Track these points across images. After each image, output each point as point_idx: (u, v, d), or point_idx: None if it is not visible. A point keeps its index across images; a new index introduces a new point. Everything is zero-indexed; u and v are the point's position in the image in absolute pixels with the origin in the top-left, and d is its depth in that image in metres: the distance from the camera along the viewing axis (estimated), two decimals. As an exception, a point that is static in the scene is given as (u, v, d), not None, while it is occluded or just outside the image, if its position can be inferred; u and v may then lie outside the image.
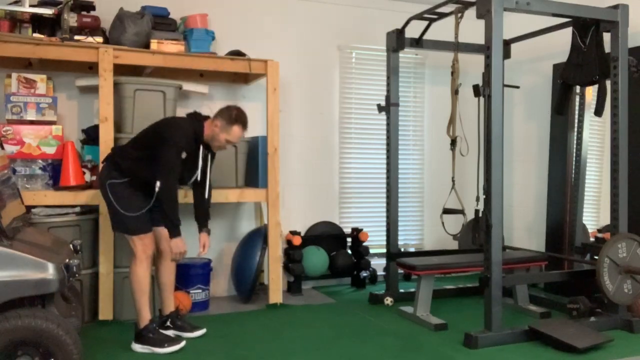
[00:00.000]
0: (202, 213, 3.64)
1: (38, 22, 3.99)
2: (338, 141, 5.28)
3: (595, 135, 4.77)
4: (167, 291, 3.67)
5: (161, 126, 3.45)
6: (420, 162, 5.65)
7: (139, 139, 3.51)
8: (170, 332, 3.56)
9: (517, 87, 4.98)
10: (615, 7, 3.82)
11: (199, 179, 3.56)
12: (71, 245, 3.11)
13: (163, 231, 3.46)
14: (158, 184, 3.28)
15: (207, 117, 3.55)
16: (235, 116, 3.45)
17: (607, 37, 3.90)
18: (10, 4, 3.93)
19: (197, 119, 3.52)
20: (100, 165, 3.64)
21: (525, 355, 3.33)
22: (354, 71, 5.33)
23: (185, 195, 4.14)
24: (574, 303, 3.94)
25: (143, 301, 3.42)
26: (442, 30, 4.58)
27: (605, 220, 4.26)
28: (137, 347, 3.37)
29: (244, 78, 4.77)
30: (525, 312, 4.22)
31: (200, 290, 4.25)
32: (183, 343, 3.37)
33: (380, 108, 4.63)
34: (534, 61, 5.27)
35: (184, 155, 3.37)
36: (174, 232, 3.33)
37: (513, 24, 4.47)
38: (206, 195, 3.62)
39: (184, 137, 3.37)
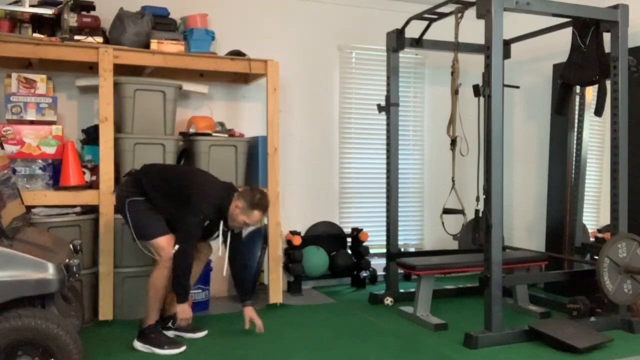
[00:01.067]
0: (241, 286, 3.65)
1: (38, 22, 3.99)
2: (338, 141, 5.28)
3: (595, 135, 4.78)
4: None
5: (192, 186, 3.42)
6: (420, 162, 5.65)
7: (170, 180, 3.50)
8: (171, 333, 3.57)
9: (517, 87, 4.98)
10: (615, 7, 3.81)
11: (227, 257, 3.57)
12: (71, 245, 3.11)
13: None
14: (176, 247, 3.31)
15: (236, 190, 3.54)
16: (257, 201, 3.43)
17: (607, 37, 3.90)
18: (10, 4, 3.93)
19: (228, 191, 3.49)
20: (123, 179, 3.63)
21: (525, 355, 3.33)
22: (354, 71, 5.33)
23: (185, 195, 4.14)
24: (574, 303, 3.94)
25: (156, 303, 3.44)
26: (442, 30, 4.58)
27: (605, 220, 4.26)
28: (138, 345, 3.38)
29: (244, 78, 4.77)
30: (525, 312, 4.22)
31: (200, 290, 4.25)
32: (183, 348, 3.36)
33: (380, 108, 4.63)
34: (534, 61, 5.27)
35: (206, 223, 3.41)
36: (182, 298, 3.35)
37: (513, 24, 4.47)
38: (245, 279, 3.63)
39: (210, 207, 3.38)
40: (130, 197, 3.43)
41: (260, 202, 3.45)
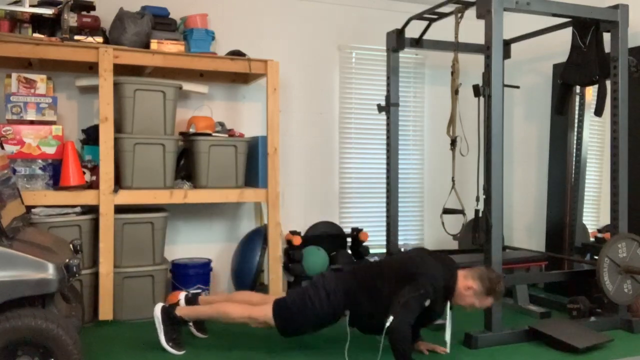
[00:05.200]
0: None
1: (38, 22, 3.98)
2: (338, 141, 5.28)
3: (595, 135, 4.78)
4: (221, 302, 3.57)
5: (417, 265, 3.15)
6: (420, 162, 5.65)
7: (386, 272, 3.20)
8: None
9: (517, 87, 4.98)
10: (615, 7, 3.82)
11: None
12: (71, 245, 3.11)
13: None
14: (390, 319, 2.96)
15: (458, 267, 3.24)
16: (495, 287, 3.15)
17: (607, 37, 3.91)
18: (10, 4, 3.93)
19: (451, 269, 3.19)
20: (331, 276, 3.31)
21: (525, 355, 3.33)
22: (354, 71, 5.33)
23: (185, 196, 4.15)
24: (574, 303, 3.94)
25: (204, 317, 3.44)
26: (442, 30, 4.58)
27: (605, 220, 4.26)
28: (157, 313, 3.32)
29: (244, 78, 4.77)
30: (525, 312, 4.22)
31: (200, 290, 4.24)
32: (182, 352, 3.33)
33: (380, 108, 4.63)
34: (534, 61, 5.26)
35: (427, 303, 3.06)
36: None
37: (513, 24, 4.47)
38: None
39: (435, 290, 3.07)
40: (324, 305, 3.16)
41: (499, 290, 3.17)
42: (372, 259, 3.54)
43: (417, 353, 3.32)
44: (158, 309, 3.35)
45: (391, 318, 2.96)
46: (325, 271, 3.33)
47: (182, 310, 3.41)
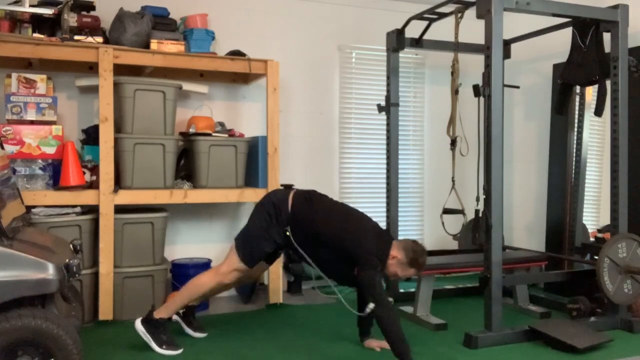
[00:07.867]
0: (365, 324, 3.47)
1: (38, 22, 3.98)
2: (338, 141, 5.28)
3: (595, 135, 4.78)
4: (207, 295, 3.68)
5: (352, 242, 3.20)
6: (420, 162, 5.65)
7: (326, 233, 3.26)
8: (177, 318, 3.58)
9: (517, 87, 4.98)
10: (615, 7, 3.82)
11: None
12: (71, 245, 3.11)
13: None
14: (371, 306, 3.05)
15: (392, 240, 3.34)
16: (419, 260, 3.24)
17: (607, 37, 3.91)
18: (10, 4, 3.93)
19: (386, 241, 3.28)
20: (280, 192, 3.50)
21: (525, 355, 3.33)
22: (354, 71, 5.33)
23: (185, 196, 4.15)
24: (574, 303, 3.94)
25: (183, 303, 3.45)
26: (442, 30, 4.58)
27: (605, 220, 4.26)
28: (139, 327, 3.34)
29: (244, 78, 4.77)
30: (525, 312, 4.22)
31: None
32: (180, 351, 3.33)
33: (380, 108, 4.63)
34: (534, 61, 5.27)
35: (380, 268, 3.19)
36: None
37: (513, 24, 4.47)
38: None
39: (378, 258, 3.17)
40: (269, 219, 3.30)
41: (421, 263, 3.26)
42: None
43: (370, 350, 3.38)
44: (137, 323, 3.37)
45: (372, 305, 3.05)
46: (276, 190, 3.55)
47: (160, 312, 3.42)
